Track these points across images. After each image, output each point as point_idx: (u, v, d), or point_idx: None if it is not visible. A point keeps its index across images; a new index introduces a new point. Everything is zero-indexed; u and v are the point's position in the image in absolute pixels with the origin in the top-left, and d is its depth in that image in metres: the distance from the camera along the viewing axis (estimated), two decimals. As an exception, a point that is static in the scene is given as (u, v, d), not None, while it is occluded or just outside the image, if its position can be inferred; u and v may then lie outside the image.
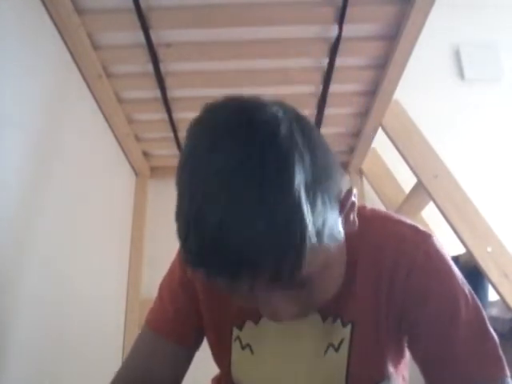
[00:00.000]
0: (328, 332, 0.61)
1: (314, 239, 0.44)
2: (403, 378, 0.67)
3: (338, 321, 0.61)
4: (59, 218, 1.15)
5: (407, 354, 0.67)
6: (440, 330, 0.57)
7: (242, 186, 0.42)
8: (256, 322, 0.65)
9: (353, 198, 0.53)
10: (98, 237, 1.43)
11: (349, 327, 0.61)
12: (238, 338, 0.66)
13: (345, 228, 0.52)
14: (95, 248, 1.40)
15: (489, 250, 1.24)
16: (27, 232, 1.01)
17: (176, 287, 0.70)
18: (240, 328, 0.66)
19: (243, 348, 0.66)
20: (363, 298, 0.60)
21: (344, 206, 0.52)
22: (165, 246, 1.77)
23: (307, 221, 0.43)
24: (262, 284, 0.44)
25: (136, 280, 1.73)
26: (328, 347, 0.61)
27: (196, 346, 0.71)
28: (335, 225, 0.49)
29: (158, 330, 0.69)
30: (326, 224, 0.46)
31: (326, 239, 0.46)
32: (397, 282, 0.59)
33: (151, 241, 1.83)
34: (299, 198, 0.43)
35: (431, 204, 1.43)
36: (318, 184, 0.46)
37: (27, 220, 1.01)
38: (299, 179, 0.43)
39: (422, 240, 0.60)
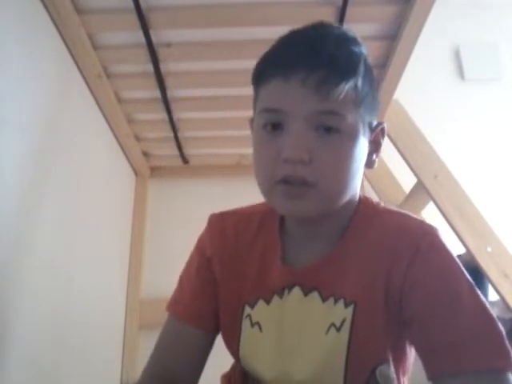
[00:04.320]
0: (330, 311, 0.63)
1: (359, 84, 0.58)
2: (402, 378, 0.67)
3: (341, 301, 0.63)
4: (59, 217, 1.15)
5: (410, 358, 0.66)
6: (442, 316, 0.57)
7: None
8: (268, 302, 0.67)
9: (381, 139, 0.65)
10: (98, 237, 1.43)
11: (351, 308, 0.62)
12: (249, 316, 0.68)
13: (367, 157, 0.63)
14: (95, 248, 1.40)
15: (489, 249, 1.24)
16: (27, 232, 1.01)
17: (194, 273, 0.74)
18: (252, 306, 0.68)
19: (252, 325, 0.68)
20: (364, 281, 0.62)
21: (375, 130, 0.64)
22: (165, 246, 1.80)
23: (361, 67, 0.59)
24: (313, 81, 0.56)
25: (136, 280, 1.73)
26: (330, 327, 0.63)
27: (216, 330, 0.73)
28: (370, 114, 0.61)
29: (178, 316, 0.72)
30: (367, 99, 0.60)
31: (362, 110, 0.59)
32: (397, 268, 0.60)
33: (151, 241, 1.83)
34: (362, 56, 0.60)
35: (431, 204, 1.43)
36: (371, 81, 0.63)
37: (27, 220, 1.01)
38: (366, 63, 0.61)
39: (428, 231, 0.63)
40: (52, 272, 1.11)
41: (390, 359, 0.63)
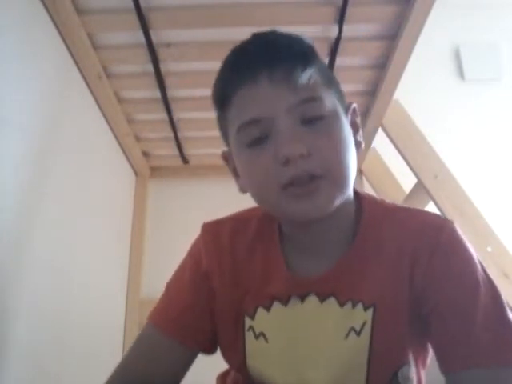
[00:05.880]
0: (349, 316, 0.61)
1: (322, 67, 0.61)
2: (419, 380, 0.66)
3: (360, 304, 0.61)
4: (59, 218, 1.15)
5: (429, 351, 0.66)
6: (460, 310, 0.57)
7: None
8: (268, 309, 0.65)
9: (356, 119, 0.65)
10: (98, 237, 1.43)
11: (370, 311, 0.60)
12: (251, 327, 0.66)
13: (353, 140, 0.61)
14: (95, 248, 1.40)
15: (489, 249, 1.24)
16: (27, 232, 1.01)
17: (186, 286, 0.70)
18: (252, 317, 0.65)
19: (257, 337, 0.65)
20: (384, 282, 0.61)
21: (348, 111, 0.63)
22: (165, 246, 1.80)
23: (315, 53, 0.62)
24: (280, 74, 0.56)
25: (136, 280, 1.73)
26: (349, 331, 0.61)
27: (199, 348, 0.70)
28: (340, 97, 0.62)
29: (163, 330, 0.68)
30: (334, 83, 0.62)
31: (334, 92, 0.60)
32: (419, 263, 0.60)
33: (151, 241, 1.83)
34: (311, 44, 0.62)
35: (431, 204, 1.43)
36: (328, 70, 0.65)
37: (27, 220, 1.01)
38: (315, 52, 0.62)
39: (446, 224, 0.62)
40: (52, 272, 1.11)
41: (412, 359, 0.62)
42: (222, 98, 0.61)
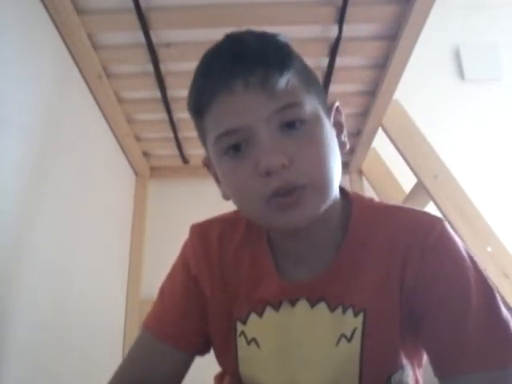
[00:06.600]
0: (339, 322, 0.60)
1: (299, 69, 0.57)
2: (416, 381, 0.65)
3: (350, 310, 0.60)
4: (59, 218, 1.15)
5: (424, 354, 0.65)
6: (451, 313, 0.56)
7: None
8: (260, 315, 0.64)
9: (341, 118, 0.63)
10: (98, 237, 1.43)
11: (361, 316, 0.59)
12: (243, 333, 0.65)
13: (337, 140, 0.60)
14: (95, 248, 1.40)
15: (489, 249, 1.24)
16: (27, 232, 1.01)
17: (179, 290, 0.69)
18: (244, 322, 0.65)
19: (249, 343, 0.64)
20: (374, 285, 0.60)
21: (331, 111, 0.62)
22: (165, 246, 1.79)
23: (293, 53, 0.58)
24: (256, 81, 0.53)
25: (136, 280, 1.73)
26: (340, 338, 0.60)
27: (196, 351, 0.70)
28: (320, 98, 0.59)
29: (157, 334, 0.68)
30: (313, 83, 0.60)
31: (313, 94, 0.57)
32: (411, 263, 0.58)
33: (151, 241, 1.83)
34: (289, 44, 0.59)
35: (431, 204, 1.43)
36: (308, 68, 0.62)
37: (27, 220, 1.01)
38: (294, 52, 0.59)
39: (436, 223, 0.60)
40: (52, 272, 1.11)
41: (406, 362, 0.62)
42: (198, 108, 0.59)
